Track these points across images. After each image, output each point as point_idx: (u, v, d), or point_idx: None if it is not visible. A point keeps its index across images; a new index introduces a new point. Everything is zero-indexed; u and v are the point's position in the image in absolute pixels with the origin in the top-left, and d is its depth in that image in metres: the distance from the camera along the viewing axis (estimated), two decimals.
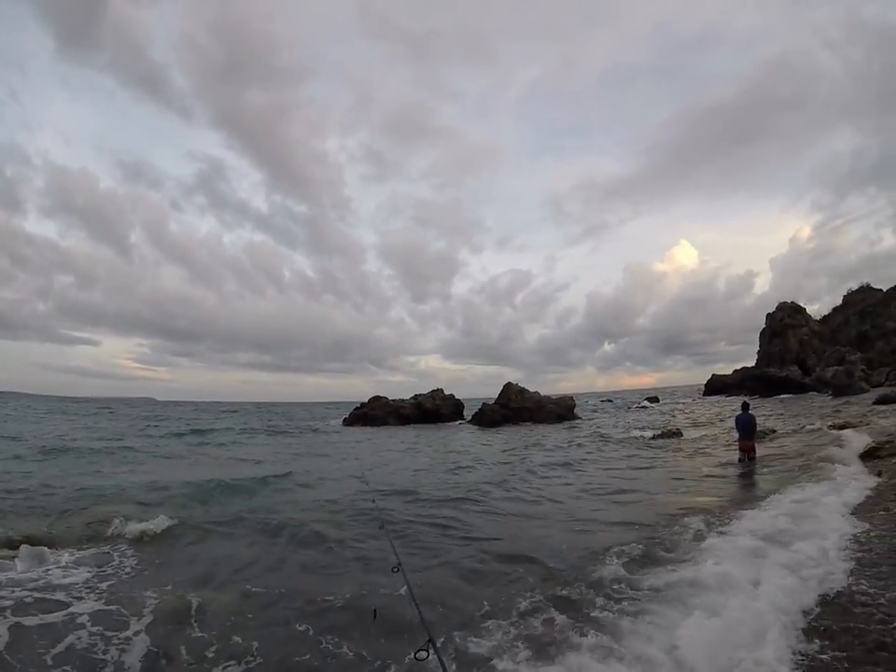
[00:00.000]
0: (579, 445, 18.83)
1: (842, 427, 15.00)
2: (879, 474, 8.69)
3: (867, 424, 15.08)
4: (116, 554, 6.30)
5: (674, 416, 31.84)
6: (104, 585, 5.22)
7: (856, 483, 8.18)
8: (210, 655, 3.86)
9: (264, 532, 7.35)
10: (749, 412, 12.24)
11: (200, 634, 4.19)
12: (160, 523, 7.40)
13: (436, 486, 11.08)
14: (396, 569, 3.59)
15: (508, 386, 34.37)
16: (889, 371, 38.86)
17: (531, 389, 34.28)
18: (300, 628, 4.24)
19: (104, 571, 5.68)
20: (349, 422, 37.53)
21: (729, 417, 22.84)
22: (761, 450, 12.39)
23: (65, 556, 6.11)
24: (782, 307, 60.55)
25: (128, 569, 5.80)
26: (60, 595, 4.90)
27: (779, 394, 40.49)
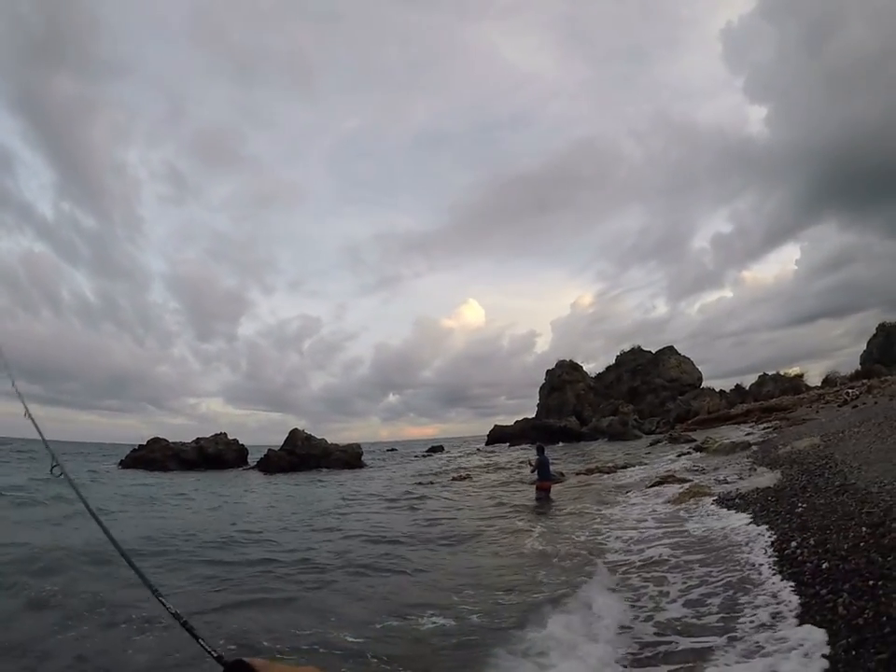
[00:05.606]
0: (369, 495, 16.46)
1: (624, 468, 16.96)
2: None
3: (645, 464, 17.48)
4: None
5: (464, 462, 31.82)
6: None
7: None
8: None
9: None
10: (545, 455, 13.43)
11: None
12: None
13: None
14: None
15: (294, 433, 34.28)
16: (659, 420, 45.96)
17: (317, 437, 34.47)
18: None
19: None
20: (127, 465, 33.20)
21: (513, 461, 25.26)
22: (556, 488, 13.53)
23: None
24: (561, 364, 66.40)
25: None
26: None
27: (558, 442, 43.73)
